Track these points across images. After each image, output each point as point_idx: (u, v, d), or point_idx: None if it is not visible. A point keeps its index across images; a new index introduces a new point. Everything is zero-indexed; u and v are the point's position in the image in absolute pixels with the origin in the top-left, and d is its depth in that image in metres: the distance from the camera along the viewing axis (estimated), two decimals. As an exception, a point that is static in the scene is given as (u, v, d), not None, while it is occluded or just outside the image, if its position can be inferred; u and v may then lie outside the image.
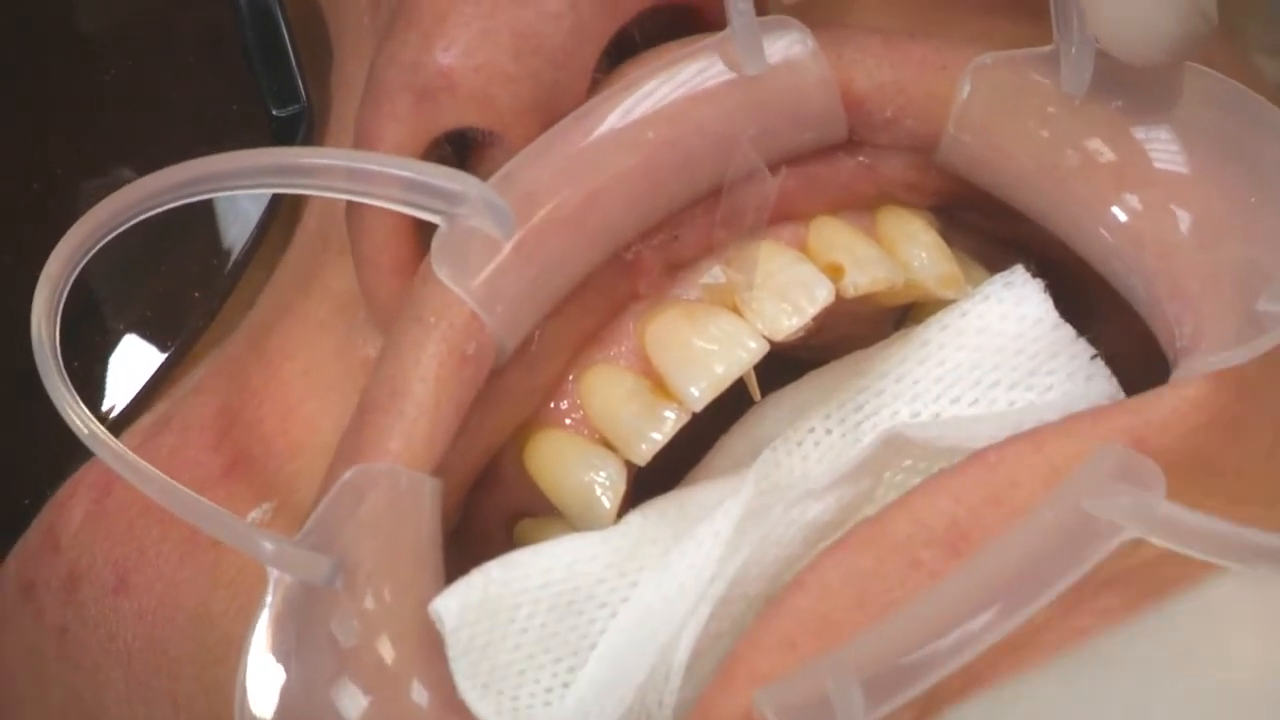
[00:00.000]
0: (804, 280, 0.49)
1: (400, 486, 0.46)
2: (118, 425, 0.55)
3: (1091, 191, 0.48)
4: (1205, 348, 0.46)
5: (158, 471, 0.46)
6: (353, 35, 0.55)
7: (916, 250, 0.51)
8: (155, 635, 0.52)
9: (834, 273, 0.50)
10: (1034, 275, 0.50)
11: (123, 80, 0.57)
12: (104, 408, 0.55)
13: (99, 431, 0.46)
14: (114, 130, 0.57)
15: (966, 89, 0.49)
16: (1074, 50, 0.47)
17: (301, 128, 0.54)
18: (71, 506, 0.54)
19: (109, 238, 0.46)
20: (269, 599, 0.46)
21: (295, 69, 0.54)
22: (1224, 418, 0.45)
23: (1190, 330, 0.46)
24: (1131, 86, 0.48)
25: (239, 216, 0.55)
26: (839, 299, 0.49)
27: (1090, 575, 0.42)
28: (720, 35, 0.48)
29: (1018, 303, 0.49)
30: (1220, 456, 0.45)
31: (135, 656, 0.53)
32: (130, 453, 0.46)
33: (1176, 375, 0.46)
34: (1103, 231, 0.48)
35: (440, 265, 0.47)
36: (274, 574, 0.46)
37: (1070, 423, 0.45)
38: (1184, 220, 0.47)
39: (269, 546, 0.45)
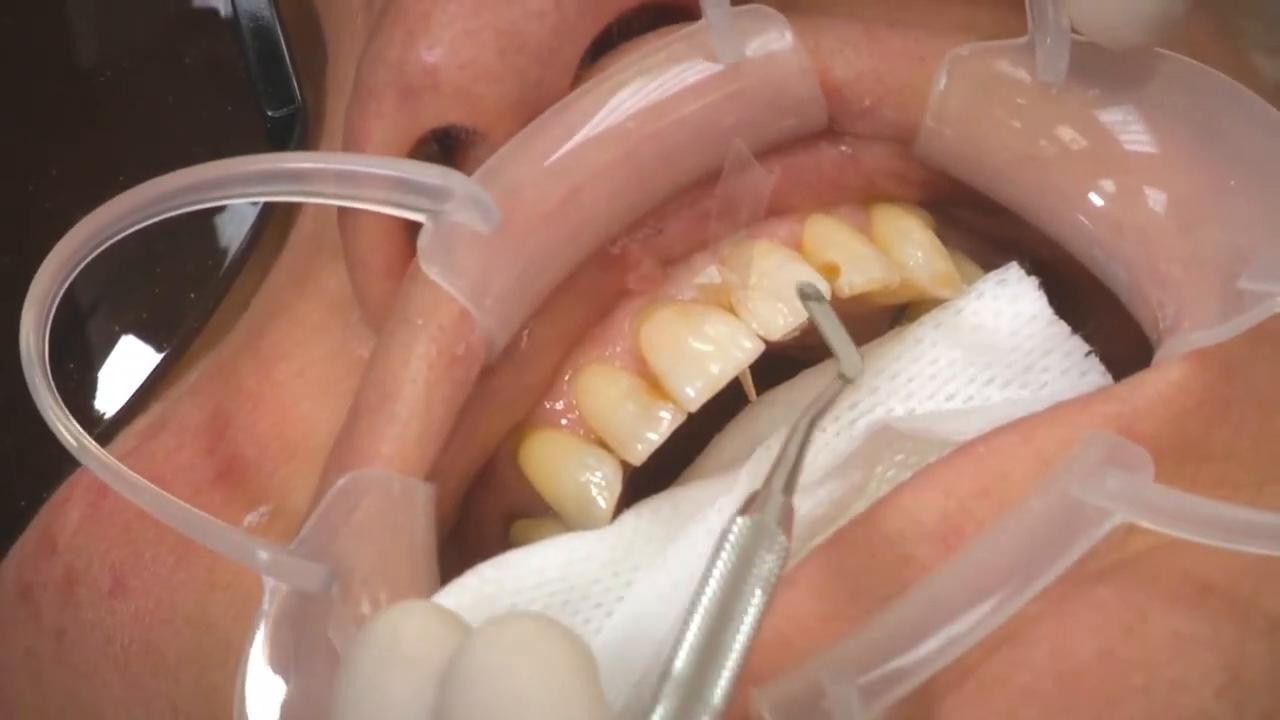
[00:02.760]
0: (799, 280, 0.49)
1: (393, 492, 0.46)
2: (112, 428, 0.55)
3: (1070, 180, 0.48)
4: (1188, 327, 0.46)
5: (149, 484, 0.46)
6: (347, 36, 0.55)
7: (912, 249, 0.51)
8: (152, 638, 0.52)
9: (829, 272, 0.50)
10: (1028, 274, 0.50)
11: (118, 82, 0.57)
12: (99, 410, 0.55)
13: (90, 445, 0.46)
14: (109, 132, 0.57)
15: (943, 81, 0.49)
16: (1049, 40, 0.48)
17: (296, 129, 0.54)
18: (68, 509, 0.54)
19: (97, 251, 0.47)
20: (265, 607, 0.46)
21: (290, 70, 0.55)
22: (1210, 400, 0.45)
23: (1173, 312, 0.46)
24: (1108, 75, 0.48)
25: (234, 218, 0.55)
26: (834, 298, 0.49)
27: (1084, 567, 0.42)
28: (697, 26, 0.49)
29: (1012, 300, 0.49)
30: (1208, 440, 0.45)
31: (132, 659, 0.53)
32: (121, 465, 0.46)
33: (1159, 356, 0.46)
34: (1083, 219, 0.48)
35: (428, 262, 0.47)
36: (270, 582, 0.46)
37: (1057, 412, 0.45)
38: (1163, 205, 0.47)
39: (264, 555, 0.45)
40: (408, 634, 0.40)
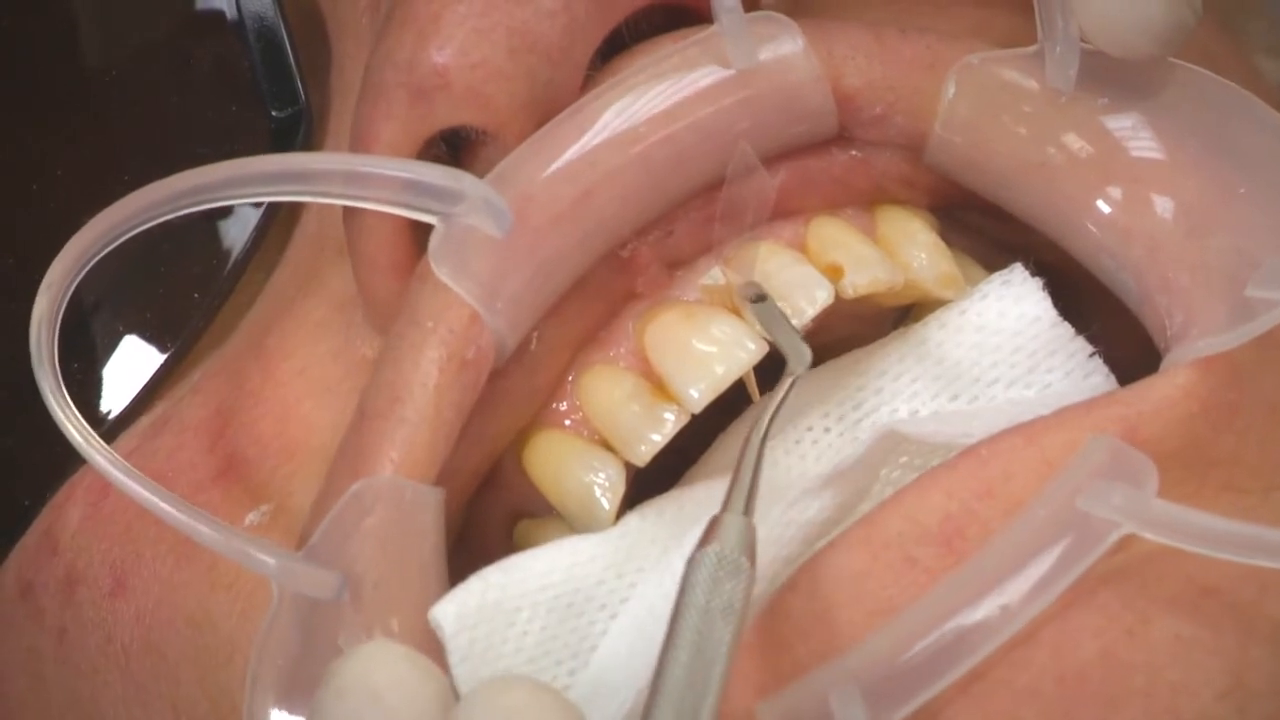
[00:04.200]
0: (803, 281, 0.50)
1: (405, 500, 0.46)
2: (116, 427, 0.55)
3: (1079, 188, 0.48)
4: (1195, 335, 0.46)
5: (161, 489, 0.46)
6: (352, 36, 0.55)
7: (916, 251, 0.51)
8: (153, 638, 0.52)
9: (833, 273, 0.50)
10: (1032, 275, 0.50)
11: (122, 82, 0.57)
12: (103, 409, 0.55)
13: (100, 449, 0.46)
14: (114, 131, 0.57)
15: (952, 89, 0.49)
16: (1059, 49, 0.48)
17: (300, 129, 0.54)
18: (69, 508, 0.54)
19: (106, 250, 0.47)
20: (274, 612, 0.46)
21: (294, 71, 0.55)
22: (1216, 405, 0.45)
23: (1181, 320, 0.46)
24: (1117, 83, 0.48)
25: (238, 218, 0.55)
26: (838, 299, 0.49)
27: (1088, 571, 0.42)
28: (710, 30, 0.49)
29: (1016, 301, 0.49)
30: (1214, 445, 0.45)
31: (133, 659, 0.53)
32: (133, 468, 0.46)
33: (1167, 362, 0.46)
34: (1091, 227, 0.48)
35: (439, 264, 0.47)
36: (278, 587, 0.46)
37: (1062, 415, 0.45)
38: (1171, 212, 0.47)
39: (275, 562, 0.45)
40: (380, 684, 0.40)
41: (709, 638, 0.41)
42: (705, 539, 0.42)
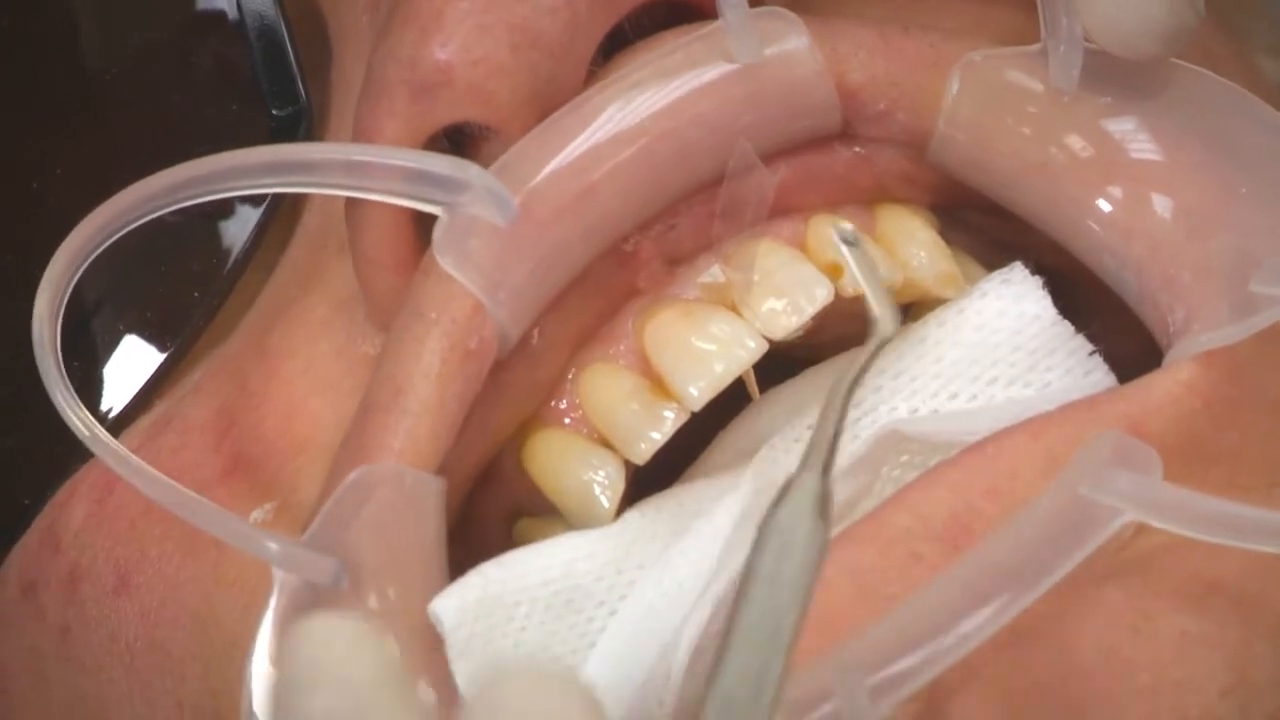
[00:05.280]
0: (803, 279, 0.50)
1: (405, 486, 0.46)
2: (117, 426, 0.55)
3: (1081, 187, 0.48)
4: (1198, 330, 0.46)
5: (161, 475, 0.46)
6: (352, 35, 0.55)
7: (915, 249, 0.51)
8: (157, 636, 0.52)
9: (833, 271, 0.50)
10: (1032, 274, 0.50)
11: (123, 81, 0.57)
12: (103, 408, 0.55)
13: (101, 434, 0.46)
14: (114, 130, 0.57)
15: (956, 86, 0.49)
16: (1062, 48, 0.48)
17: (301, 128, 0.54)
18: (72, 506, 0.54)
19: (109, 242, 0.47)
20: (273, 599, 0.46)
21: (295, 69, 0.55)
22: (1219, 401, 0.45)
23: (1183, 316, 0.46)
24: (1120, 83, 0.48)
25: (239, 216, 0.55)
26: (838, 298, 0.50)
27: (1092, 567, 0.42)
28: (714, 25, 0.49)
29: (1016, 299, 0.49)
30: (1217, 440, 0.45)
31: (137, 656, 0.53)
32: (134, 456, 0.46)
33: (1169, 358, 0.46)
34: (1093, 226, 0.48)
35: (443, 254, 0.47)
36: (278, 574, 0.46)
37: (1066, 411, 0.45)
38: (1172, 212, 0.47)
39: (274, 547, 0.45)
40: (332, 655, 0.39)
41: (779, 604, 0.39)
42: (779, 499, 0.40)
